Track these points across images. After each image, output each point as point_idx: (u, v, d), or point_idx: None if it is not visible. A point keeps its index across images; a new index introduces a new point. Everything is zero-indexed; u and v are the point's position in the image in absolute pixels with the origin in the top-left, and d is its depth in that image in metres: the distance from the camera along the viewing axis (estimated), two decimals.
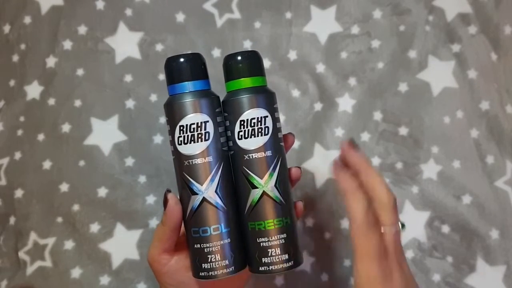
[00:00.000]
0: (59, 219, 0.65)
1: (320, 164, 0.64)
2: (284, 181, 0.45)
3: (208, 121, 0.43)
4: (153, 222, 0.64)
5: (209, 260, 0.43)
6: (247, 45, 0.67)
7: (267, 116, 0.44)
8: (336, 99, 0.66)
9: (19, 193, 0.66)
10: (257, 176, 0.44)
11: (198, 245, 0.44)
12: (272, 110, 0.44)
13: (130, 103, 0.67)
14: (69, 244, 0.64)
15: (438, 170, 0.63)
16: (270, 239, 0.44)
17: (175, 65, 0.44)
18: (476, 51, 0.65)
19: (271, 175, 0.44)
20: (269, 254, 0.44)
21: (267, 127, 0.44)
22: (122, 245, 0.64)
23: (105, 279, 0.63)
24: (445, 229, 0.62)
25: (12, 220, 0.66)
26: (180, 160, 0.44)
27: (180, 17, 0.68)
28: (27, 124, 0.67)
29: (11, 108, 0.68)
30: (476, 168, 0.63)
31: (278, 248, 0.44)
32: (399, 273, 0.42)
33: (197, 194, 0.43)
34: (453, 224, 0.62)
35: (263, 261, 0.44)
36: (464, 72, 0.65)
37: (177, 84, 0.44)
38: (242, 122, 0.43)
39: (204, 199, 0.43)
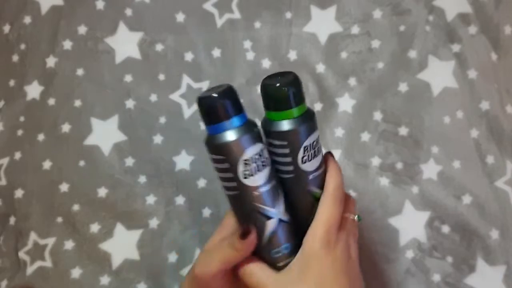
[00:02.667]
0: (59, 219, 0.65)
1: None
2: None
3: (264, 149, 0.43)
4: (153, 222, 0.64)
5: None
6: (247, 45, 0.67)
7: (318, 136, 0.45)
8: (336, 99, 0.66)
9: (19, 193, 0.66)
10: (320, 190, 0.45)
11: (281, 263, 0.45)
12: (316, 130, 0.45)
13: (130, 103, 0.67)
14: (69, 244, 0.64)
15: (438, 170, 0.63)
16: None
17: (219, 102, 0.41)
18: (476, 51, 0.65)
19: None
20: None
21: (320, 146, 0.45)
22: (122, 245, 0.64)
23: (105, 279, 0.63)
24: (445, 229, 0.62)
25: (12, 220, 0.66)
26: (248, 192, 0.43)
27: (180, 17, 0.68)
28: (27, 124, 0.67)
29: (11, 108, 0.68)
30: (476, 168, 0.63)
31: None
32: (343, 249, 0.44)
33: (273, 218, 0.44)
34: (453, 224, 0.62)
35: None
36: (464, 72, 0.65)
37: (225, 121, 0.42)
38: (305, 148, 0.43)
39: (280, 221, 0.44)
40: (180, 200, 0.65)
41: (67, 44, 0.68)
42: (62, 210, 0.65)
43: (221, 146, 0.42)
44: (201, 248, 0.64)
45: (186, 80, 0.67)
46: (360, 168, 0.64)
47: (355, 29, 0.67)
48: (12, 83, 0.68)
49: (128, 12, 0.69)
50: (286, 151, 0.44)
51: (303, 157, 0.44)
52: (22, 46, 0.69)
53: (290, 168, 0.44)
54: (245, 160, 0.42)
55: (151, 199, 0.65)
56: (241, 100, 0.43)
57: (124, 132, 0.66)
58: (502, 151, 0.63)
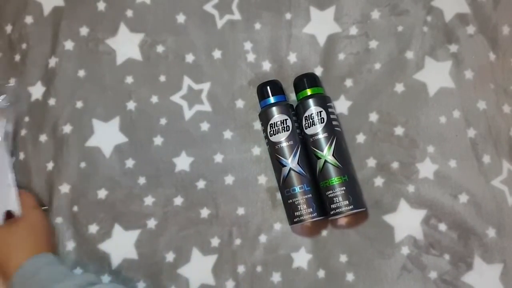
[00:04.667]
0: (59, 220, 0.65)
1: None
2: (340, 152, 0.61)
3: (287, 119, 0.62)
4: (151, 223, 0.65)
5: (298, 209, 0.60)
6: (248, 47, 0.68)
7: (321, 111, 0.61)
8: (333, 100, 0.66)
9: None
10: (319, 151, 0.60)
11: (291, 200, 0.61)
12: (326, 107, 0.62)
13: (131, 105, 0.67)
14: (69, 245, 0.65)
15: (435, 169, 0.63)
16: (335, 191, 0.60)
17: (265, 88, 0.64)
18: (474, 51, 0.65)
19: (329, 148, 0.60)
20: (335, 202, 0.60)
21: (323, 118, 0.61)
22: (121, 245, 0.64)
23: (105, 279, 0.64)
24: (442, 227, 0.62)
25: None
26: (272, 146, 0.62)
27: (181, 18, 0.69)
28: (29, 125, 0.68)
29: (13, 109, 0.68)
30: (472, 167, 0.63)
31: (341, 197, 0.59)
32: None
33: (286, 166, 0.60)
34: (450, 222, 0.62)
35: (332, 207, 0.60)
36: (461, 72, 0.65)
37: (266, 98, 0.64)
38: (306, 117, 0.62)
39: (291, 169, 0.61)
40: (178, 201, 0.65)
41: (69, 45, 0.69)
42: (62, 211, 0.65)
43: (260, 114, 0.64)
44: (198, 248, 0.64)
45: (187, 81, 0.68)
46: (355, 169, 0.64)
47: (353, 30, 0.67)
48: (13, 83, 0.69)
49: (129, 13, 0.69)
50: (298, 121, 0.63)
51: (305, 124, 0.62)
52: (24, 46, 0.69)
53: (302, 133, 0.63)
54: (271, 123, 0.62)
55: (149, 200, 0.65)
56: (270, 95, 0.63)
57: (125, 134, 0.67)
58: (498, 150, 0.63)
